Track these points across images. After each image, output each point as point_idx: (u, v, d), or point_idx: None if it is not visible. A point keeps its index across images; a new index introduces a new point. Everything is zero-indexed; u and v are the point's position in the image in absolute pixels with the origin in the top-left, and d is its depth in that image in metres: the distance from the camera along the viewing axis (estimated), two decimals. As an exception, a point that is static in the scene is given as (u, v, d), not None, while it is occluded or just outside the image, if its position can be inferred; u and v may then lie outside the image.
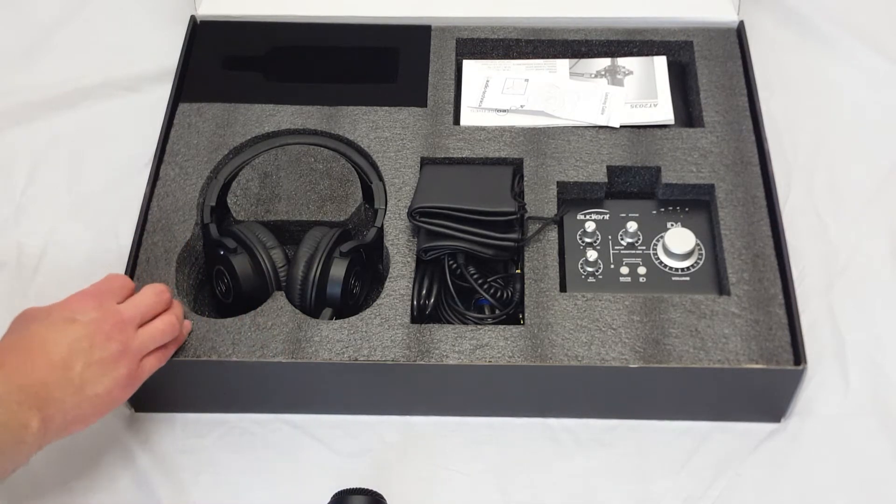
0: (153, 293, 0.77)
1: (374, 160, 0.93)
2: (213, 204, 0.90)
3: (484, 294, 0.83)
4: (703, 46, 1.00)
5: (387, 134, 0.94)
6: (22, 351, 0.70)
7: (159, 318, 0.77)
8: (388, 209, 0.89)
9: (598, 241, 0.88)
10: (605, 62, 1.01)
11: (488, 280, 0.84)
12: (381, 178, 0.91)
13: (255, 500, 0.81)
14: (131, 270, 0.85)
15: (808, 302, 0.90)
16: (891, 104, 1.05)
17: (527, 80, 0.99)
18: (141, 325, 0.75)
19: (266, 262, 0.84)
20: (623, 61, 1.01)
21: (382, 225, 0.88)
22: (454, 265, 0.84)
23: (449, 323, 0.83)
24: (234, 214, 0.89)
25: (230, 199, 0.90)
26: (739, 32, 1.01)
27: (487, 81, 1.00)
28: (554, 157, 0.92)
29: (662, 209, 0.91)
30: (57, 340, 0.70)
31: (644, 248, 0.88)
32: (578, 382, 0.82)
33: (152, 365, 0.76)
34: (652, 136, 0.93)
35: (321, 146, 0.93)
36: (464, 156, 0.92)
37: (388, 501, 0.74)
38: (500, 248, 0.85)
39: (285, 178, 0.91)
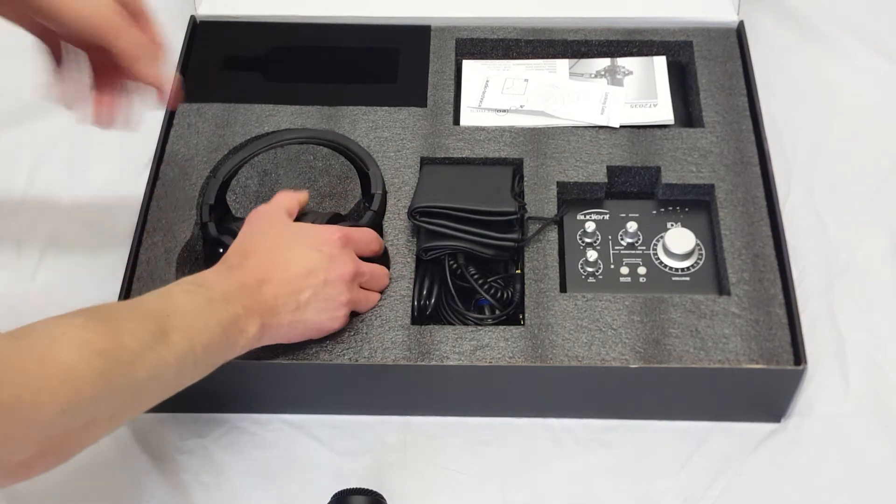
0: (384, 275, 0.83)
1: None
2: (212, 202, 0.90)
3: (484, 294, 0.83)
4: (703, 46, 1.00)
5: (387, 134, 0.94)
6: (263, 256, 0.75)
7: (375, 294, 0.82)
8: (388, 209, 0.88)
9: (598, 242, 0.88)
10: (604, 62, 1.01)
11: (488, 280, 0.84)
12: (376, 165, 0.91)
13: (254, 500, 0.81)
14: (131, 270, 0.85)
15: (808, 302, 0.90)
16: (891, 104, 1.05)
17: (527, 80, 0.99)
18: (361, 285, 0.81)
19: None
20: (623, 61, 1.01)
21: (379, 208, 0.87)
22: (454, 265, 0.84)
23: (449, 323, 0.83)
24: (234, 213, 0.89)
25: (230, 198, 0.90)
26: (739, 32, 1.01)
27: (487, 81, 1.00)
28: (554, 157, 0.92)
29: (662, 209, 0.91)
30: (298, 262, 0.75)
31: (644, 248, 0.88)
32: (578, 383, 0.82)
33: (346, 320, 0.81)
34: (652, 136, 0.93)
35: (320, 141, 0.93)
36: (464, 156, 0.92)
37: (388, 501, 0.74)
38: (500, 248, 0.85)
39: (284, 175, 0.91)
